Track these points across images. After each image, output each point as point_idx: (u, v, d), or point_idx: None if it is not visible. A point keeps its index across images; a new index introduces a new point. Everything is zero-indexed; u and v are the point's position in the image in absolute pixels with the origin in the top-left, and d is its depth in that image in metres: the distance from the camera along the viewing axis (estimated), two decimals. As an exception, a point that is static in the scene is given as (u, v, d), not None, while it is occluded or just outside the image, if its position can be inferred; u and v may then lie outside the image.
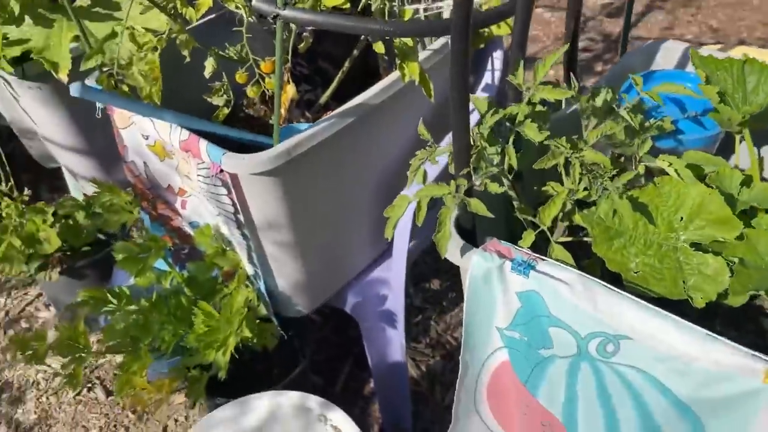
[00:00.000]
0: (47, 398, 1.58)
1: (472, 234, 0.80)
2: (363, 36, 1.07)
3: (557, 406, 0.72)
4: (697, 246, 0.71)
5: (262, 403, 1.04)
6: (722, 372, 0.59)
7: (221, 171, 0.92)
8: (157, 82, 0.96)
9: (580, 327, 0.66)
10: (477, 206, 0.72)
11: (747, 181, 0.77)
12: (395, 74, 1.00)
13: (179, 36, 0.96)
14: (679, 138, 0.89)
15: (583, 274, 0.67)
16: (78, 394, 1.58)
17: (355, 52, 1.12)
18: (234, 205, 0.97)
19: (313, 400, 1.02)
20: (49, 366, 1.63)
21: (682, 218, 0.73)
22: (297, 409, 1.03)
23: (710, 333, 0.60)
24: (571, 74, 0.90)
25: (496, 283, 0.71)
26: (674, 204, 0.73)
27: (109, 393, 1.57)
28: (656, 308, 0.63)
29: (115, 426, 1.49)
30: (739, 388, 0.59)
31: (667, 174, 0.76)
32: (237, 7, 0.92)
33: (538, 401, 0.75)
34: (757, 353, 0.58)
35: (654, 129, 0.80)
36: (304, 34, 1.07)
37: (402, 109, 1.07)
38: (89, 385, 1.59)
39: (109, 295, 1.17)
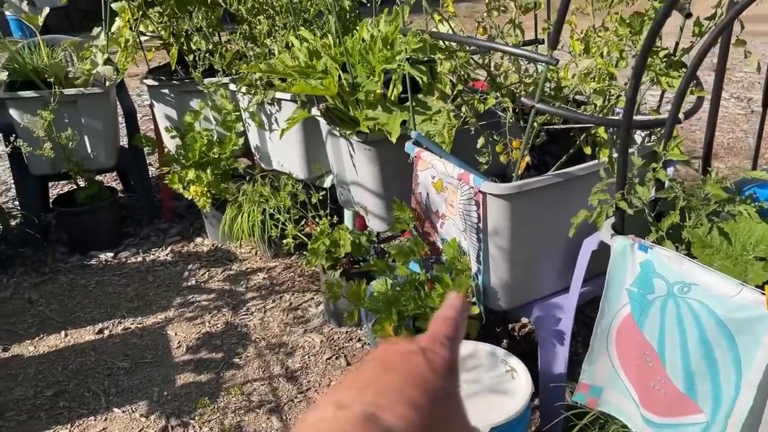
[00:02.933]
0: (309, 357, 2.29)
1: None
2: (582, 138, 1.71)
3: (654, 334, 1.20)
4: (760, 259, 1.19)
5: (469, 345, 1.62)
6: (744, 303, 1.06)
7: (478, 192, 1.59)
8: (450, 141, 1.69)
9: (671, 277, 1.17)
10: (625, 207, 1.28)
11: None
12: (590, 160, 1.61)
13: (471, 120, 1.69)
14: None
15: (676, 251, 1.19)
16: (329, 358, 2.27)
17: (571, 151, 1.76)
18: (479, 217, 1.63)
19: (500, 350, 1.57)
20: (311, 339, 2.36)
21: (752, 243, 1.21)
22: (488, 354, 1.59)
23: (740, 282, 1.08)
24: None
25: (628, 256, 1.25)
26: (747, 233, 1.22)
27: (348, 363, 2.23)
28: (712, 269, 1.13)
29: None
30: (753, 313, 1.05)
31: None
32: (505, 104, 1.64)
33: (643, 335, 1.23)
34: (763, 291, 1.05)
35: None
36: (542, 133, 1.74)
37: (595, 181, 1.67)
38: (336, 355, 2.28)
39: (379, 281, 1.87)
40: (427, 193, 1.86)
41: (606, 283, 1.31)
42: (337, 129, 2.19)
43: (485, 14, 1.82)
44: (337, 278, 2.29)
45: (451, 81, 1.79)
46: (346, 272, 2.32)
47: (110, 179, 3.75)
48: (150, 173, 3.52)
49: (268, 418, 2.01)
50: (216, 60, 2.70)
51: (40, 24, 2.97)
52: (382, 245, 2.70)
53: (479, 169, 1.74)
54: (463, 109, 1.71)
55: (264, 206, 2.65)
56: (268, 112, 2.69)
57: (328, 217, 2.38)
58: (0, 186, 3.65)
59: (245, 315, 2.55)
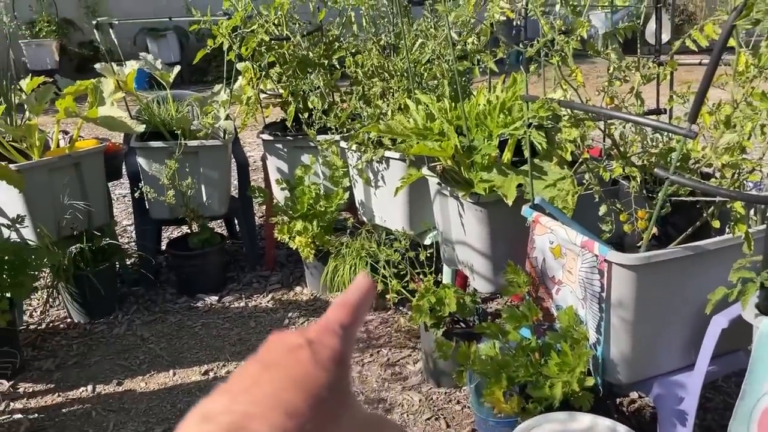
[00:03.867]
0: (408, 416, 2.28)
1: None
2: (709, 210, 1.67)
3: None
4: None
5: (586, 419, 1.57)
6: None
7: (603, 261, 1.58)
8: (573, 208, 1.69)
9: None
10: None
11: None
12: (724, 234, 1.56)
13: (595, 188, 1.69)
14: None
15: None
16: (428, 419, 2.25)
17: (698, 223, 1.72)
18: (602, 286, 1.60)
19: (621, 428, 1.52)
20: (410, 397, 2.36)
21: None
22: (608, 429, 1.54)
23: None
24: None
25: (775, 339, 1.19)
26: None
27: (447, 425, 2.20)
28: None
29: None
30: None
31: None
32: (632, 174, 1.63)
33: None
34: None
35: None
36: (668, 204, 1.71)
37: (727, 256, 1.62)
38: (435, 416, 2.26)
39: (489, 344, 1.86)
40: (544, 258, 1.85)
41: (750, 365, 1.25)
42: (448, 189, 2.24)
43: (607, 83, 1.84)
44: (440, 337, 2.29)
45: (573, 148, 1.80)
46: (449, 332, 2.32)
47: (216, 225, 3.93)
48: (255, 222, 3.67)
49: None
50: (330, 118, 2.83)
51: (171, 81, 3.23)
52: (483, 306, 2.69)
53: (600, 237, 1.73)
54: (587, 176, 1.71)
55: (367, 260, 2.71)
56: (376, 170, 2.78)
57: (433, 275, 2.40)
58: (120, 227, 3.90)
59: (344, 367, 2.57)
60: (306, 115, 2.94)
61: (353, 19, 2.89)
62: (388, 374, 2.52)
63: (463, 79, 2.50)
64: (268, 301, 3.13)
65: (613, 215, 1.72)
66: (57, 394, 2.46)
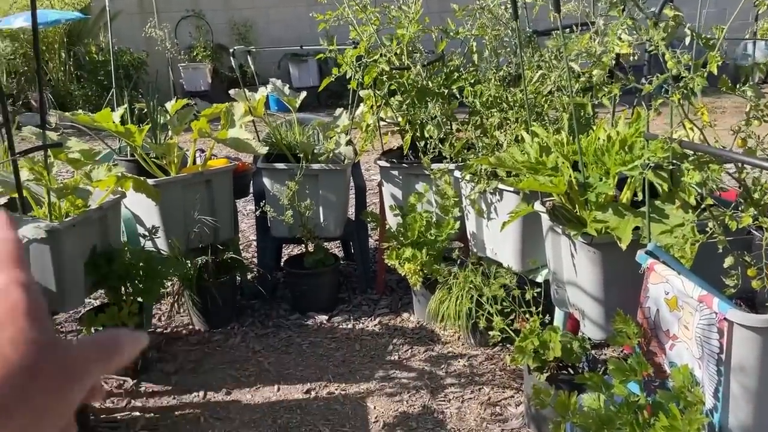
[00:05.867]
0: (503, 459, 2.18)
1: None
2: None
3: None
4: None
5: (693, 494, 1.41)
6: None
7: (723, 319, 1.42)
8: (692, 258, 1.54)
9: None
10: None
11: None
12: None
13: (719, 238, 1.53)
14: None
15: None
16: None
17: None
18: (721, 347, 1.44)
19: None
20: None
21: None
22: None
23: None
24: None
25: None
26: None
27: (545, 476, 2.08)
28: None
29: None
30: None
31: None
32: (764, 225, 1.45)
33: None
34: None
35: None
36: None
37: None
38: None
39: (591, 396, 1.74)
40: (657, 309, 1.70)
41: None
42: (560, 227, 2.14)
43: (743, 123, 1.67)
44: (542, 382, 2.17)
45: (697, 192, 1.65)
46: (553, 377, 2.20)
47: (333, 246, 4.04)
48: (369, 245, 3.73)
49: None
50: (445, 148, 2.82)
51: (297, 106, 3.38)
52: (594, 352, 2.52)
53: (724, 292, 1.56)
54: (710, 224, 1.56)
55: (473, 293, 2.65)
56: (489, 201, 2.72)
57: (540, 316, 2.30)
58: (246, 241, 4.12)
59: (443, 401, 2.53)
60: (422, 143, 2.95)
61: (474, 49, 2.87)
62: (487, 414, 2.43)
63: (584, 113, 2.39)
64: (375, 325, 3.16)
65: (741, 269, 1.55)
66: (173, 396, 2.62)
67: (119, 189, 2.69)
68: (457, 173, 2.87)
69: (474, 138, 2.68)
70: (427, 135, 2.89)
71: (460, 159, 2.85)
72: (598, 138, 2.11)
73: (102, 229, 2.65)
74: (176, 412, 2.51)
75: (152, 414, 2.50)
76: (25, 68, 8.48)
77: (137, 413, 2.50)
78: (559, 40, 1.88)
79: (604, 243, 1.99)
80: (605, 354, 2.76)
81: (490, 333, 2.40)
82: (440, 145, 2.88)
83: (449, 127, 2.94)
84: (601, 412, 1.72)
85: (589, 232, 1.95)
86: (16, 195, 2.31)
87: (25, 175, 2.35)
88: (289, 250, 3.98)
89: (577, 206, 2.06)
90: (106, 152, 3.13)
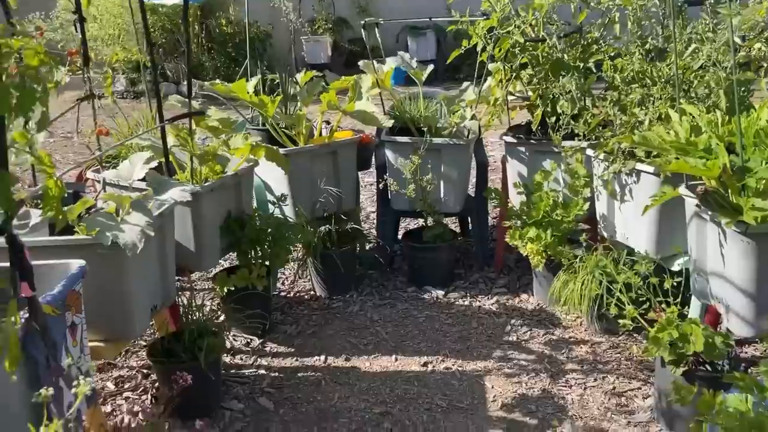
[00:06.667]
0: (629, 453, 2.08)
1: None
2: None
3: None
4: None
5: None
6: None
7: None
8: None
9: None
10: None
11: None
12: None
13: None
14: None
15: None
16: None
17: None
18: None
19: None
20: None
21: None
22: None
23: None
24: None
25: None
26: None
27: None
28: None
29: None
30: None
31: None
32: None
33: None
34: None
35: None
36: None
37: None
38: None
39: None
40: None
41: None
42: (709, 213, 1.98)
43: None
44: (678, 376, 2.05)
45: None
46: (690, 372, 2.06)
47: (450, 222, 4.02)
48: (488, 223, 3.67)
49: (578, 508, 1.88)
50: (578, 124, 2.70)
51: (423, 79, 3.35)
52: (736, 350, 2.35)
53: None
54: None
55: (601, 278, 2.53)
56: (623, 183, 2.57)
57: (678, 307, 2.16)
58: (364, 213, 4.19)
59: (563, 386, 2.45)
60: (553, 119, 2.84)
61: (617, 20, 2.70)
62: (612, 404, 2.33)
63: (743, 89, 2.18)
64: (492, 304, 3.11)
65: None
66: (295, 358, 2.73)
67: (252, 157, 2.80)
68: (589, 152, 2.73)
69: (612, 115, 2.54)
70: (559, 110, 2.78)
71: (593, 137, 2.72)
72: (760, 119, 1.92)
73: (236, 196, 2.78)
74: (299, 374, 2.61)
75: (276, 373, 2.61)
76: (163, 40, 9.02)
77: (263, 371, 2.63)
78: (731, 9, 1.71)
79: (760, 233, 1.82)
80: (746, 352, 2.56)
81: (620, 321, 2.28)
82: (572, 122, 2.75)
83: (584, 102, 2.80)
84: (749, 415, 1.59)
85: (746, 221, 1.79)
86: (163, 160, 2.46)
87: (171, 141, 2.49)
88: (405, 224, 4.00)
89: (731, 192, 1.89)
90: (240, 121, 3.27)
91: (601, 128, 2.67)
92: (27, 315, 1.42)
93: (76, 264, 1.72)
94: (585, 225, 2.97)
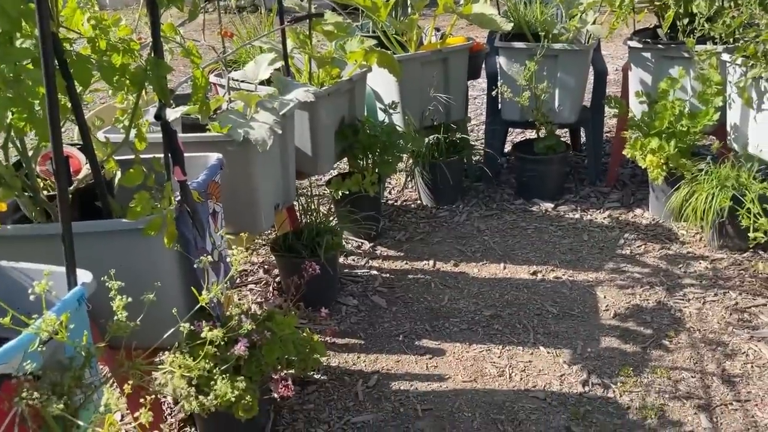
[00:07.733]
0: (753, 367, 2.03)
1: None
2: None
3: None
4: None
5: None
6: None
7: None
8: None
9: None
10: None
11: None
12: None
13: None
14: None
15: None
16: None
17: None
18: None
19: None
20: (758, 348, 2.09)
21: None
22: None
23: None
24: None
25: None
26: None
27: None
28: None
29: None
30: None
31: None
32: None
33: None
34: None
35: None
36: None
37: None
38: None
39: None
40: None
41: None
42: None
43: None
44: (813, 292, 1.95)
45: None
46: (828, 288, 1.96)
47: (561, 134, 3.89)
48: (603, 136, 3.53)
49: (695, 414, 1.87)
50: (716, 26, 2.49)
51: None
52: None
53: None
54: None
55: (732, 191, 2.40)
56: (762, 90, 2.38)
57: None
58: (470, 125, 4.12)
59: (680, 300, 2.40)
60: (686, 21, 2.64)
61: None
62: (733, 319, 2.27)
63: None
64: (604, 218, 3.04)
65: None
66: (405, 261, 2.81)
67: (364, 63, 2.80)
68: (725, 56, 2.54)
69: (757, 14, 2.32)
70: (693, 11, 2.57)
71: (732, 41, 2.51)
72: None
73: (350, 102, 2.81)
74: (409, 276, 2.69)
75: (387, 275, 2.71)
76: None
77: (375, 272, 2.73)
78: None
79: None
80: None
81: (750, 234, 2.18)
82: (708, 24, 2.55)
83: (722, 3, 2.57)
84: None
85: None
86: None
87: (290, 45, 2.52)
88: (512, 137, 3.91)
89: None
90: (352, 27, 3.25)
91: (742, 30, 2.45)
92: (179, 198, 1.53)
93: (214, 156, 1.82)
94: (713, 137, 2.79)
